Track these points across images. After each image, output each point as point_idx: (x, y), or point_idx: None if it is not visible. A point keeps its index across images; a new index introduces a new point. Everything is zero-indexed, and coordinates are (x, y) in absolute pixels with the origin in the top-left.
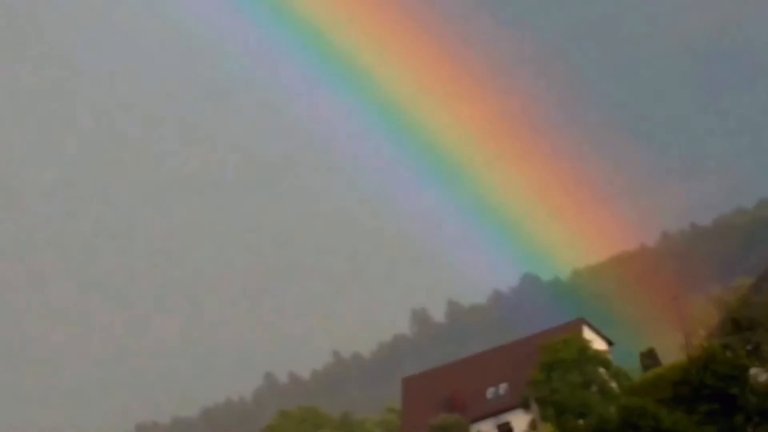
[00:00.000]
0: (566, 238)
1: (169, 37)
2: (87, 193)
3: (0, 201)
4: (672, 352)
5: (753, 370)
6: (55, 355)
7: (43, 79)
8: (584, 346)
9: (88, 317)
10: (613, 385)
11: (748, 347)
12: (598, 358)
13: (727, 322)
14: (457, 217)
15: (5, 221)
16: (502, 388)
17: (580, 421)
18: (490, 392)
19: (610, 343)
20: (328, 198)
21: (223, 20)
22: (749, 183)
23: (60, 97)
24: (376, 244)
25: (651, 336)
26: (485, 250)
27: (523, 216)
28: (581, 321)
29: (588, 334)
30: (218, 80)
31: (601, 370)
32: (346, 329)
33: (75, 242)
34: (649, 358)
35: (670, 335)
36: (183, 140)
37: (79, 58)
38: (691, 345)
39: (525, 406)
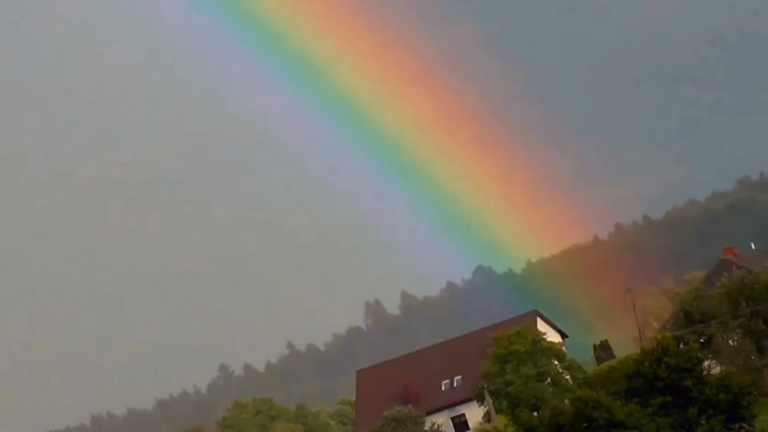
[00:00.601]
0: (520, 231)
1: (142, 41)
2: (58, 184)
3: None
4: (625, 345)
5: (706, 362)
6: (11, 347)
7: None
8: (537, 339)
9: (44, 310)
10: (567, 377)
11: (701, 340)
12: (552, 351)
13: (680, 315)
14: (411, 210)
15: None
16: (456, 380)
17: (534, 413)
18: (444, 384)
19: (563, 335)
20: (285, 194)
21: (185, 19)
22: (701, 176)
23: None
24: (330, 237)
25: (604, 328)
26: (439, 242)
27: (476, 208)
28: (535, 313)
29: (542, 326)
30: (185, 78)
31: (555, 362)
32: (300, 321)
33: (34, 231)
34: (603, 350)
35: (623, 327)
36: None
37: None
38: (644, 337)
39: (479, 398)
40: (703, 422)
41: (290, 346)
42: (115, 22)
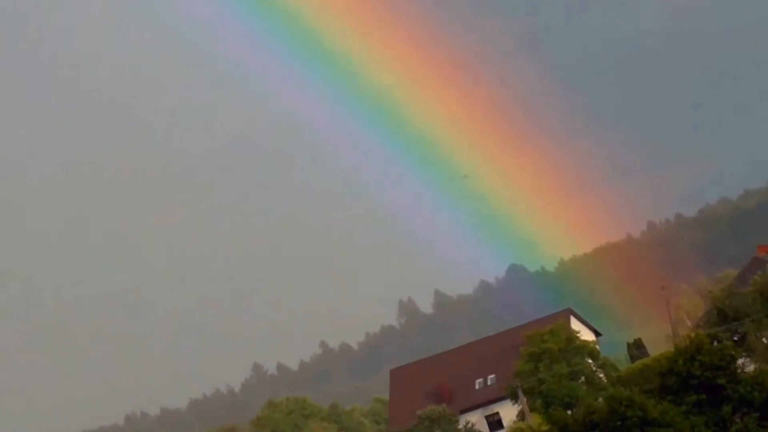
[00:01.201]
0: (552, 229)
1: (173, 37)
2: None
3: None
4: (659, 343)
5: (740, 360)
6: (44, 347)
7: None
8: (571, 337)
9: (76, 309)
10: (601, 375)
11: (735, 338)
12: (586, 349)
13: (713, 313)
14: (444, 208)
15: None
16: (490, 378)
17: (568, 412)
18: (477, 383)
19: (597, 333)
20: (316, 191)
21: (215, 17)
22: (733, 173)
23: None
24: (363, 236)
25: (638, 326)
26: (472, 240)
27: (509, 207)
28: (568, 312)
29: (575, 324)
30: (212, 75)
31: (589, 360)
32: (333, 320)
33: (64, 230)
34: (637, 348)
35: (656, 325)
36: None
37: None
38: (677, 335)
39: (513, 396)
40: (737, 420)
41: (323, 345)
42: (146, 21)
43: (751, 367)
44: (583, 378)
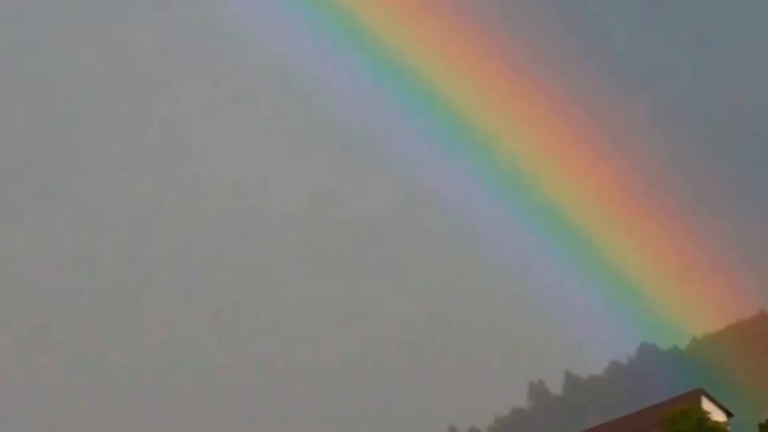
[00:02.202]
0: (684, 306)
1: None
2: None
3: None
4: None
5: None
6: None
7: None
8: (703, 418)
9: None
10: None
11: None
12: (717, 430)
13: None
14: (572, 286)
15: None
16: None
17: None
18: None
19: (729, 414)
20: (439, 269)
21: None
22: None
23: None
24: (491, 317)
25: None
26: (602, 319)
27: (639, 284)
28: (700, 391)
29: (707, 405)
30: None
31: None
32: (462, 403)
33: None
34: None
35: None
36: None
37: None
38: None
39: None
40: None
41: (452, 429)
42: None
43: None
44: None
